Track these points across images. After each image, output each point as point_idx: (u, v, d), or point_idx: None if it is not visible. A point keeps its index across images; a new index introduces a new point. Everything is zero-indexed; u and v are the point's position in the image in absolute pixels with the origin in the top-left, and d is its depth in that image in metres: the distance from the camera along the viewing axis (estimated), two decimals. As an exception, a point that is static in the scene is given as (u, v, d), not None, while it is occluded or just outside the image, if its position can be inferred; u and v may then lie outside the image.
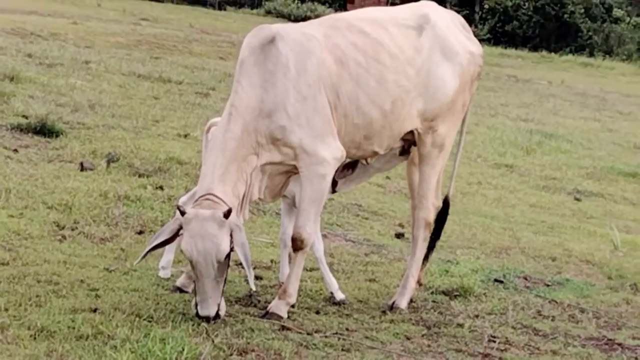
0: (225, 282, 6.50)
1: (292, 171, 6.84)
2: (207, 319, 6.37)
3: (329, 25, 7.02)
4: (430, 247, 7.63)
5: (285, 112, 6.63)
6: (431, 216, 7.45)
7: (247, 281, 6.88)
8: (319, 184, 6.74)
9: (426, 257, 7.61)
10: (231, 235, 6.40)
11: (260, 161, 6.68)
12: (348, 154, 6.97)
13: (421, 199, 7.42)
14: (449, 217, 10.44)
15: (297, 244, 6.78)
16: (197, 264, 6.35)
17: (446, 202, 7.71)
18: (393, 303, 7.33)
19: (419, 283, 7.62)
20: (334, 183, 7.34)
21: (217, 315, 6.43)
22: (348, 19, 7.11)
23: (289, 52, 6.69)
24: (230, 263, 7.85)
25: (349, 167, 7.37)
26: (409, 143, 7.37)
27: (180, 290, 7.02)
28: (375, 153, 7.18)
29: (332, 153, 6.74)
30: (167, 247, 7.01)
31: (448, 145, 7.41)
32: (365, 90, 6.87)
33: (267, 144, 6.67)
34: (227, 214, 6.31)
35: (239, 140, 6.57)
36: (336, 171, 7.17)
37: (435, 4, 7.50)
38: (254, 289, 6.58)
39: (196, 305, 6.43)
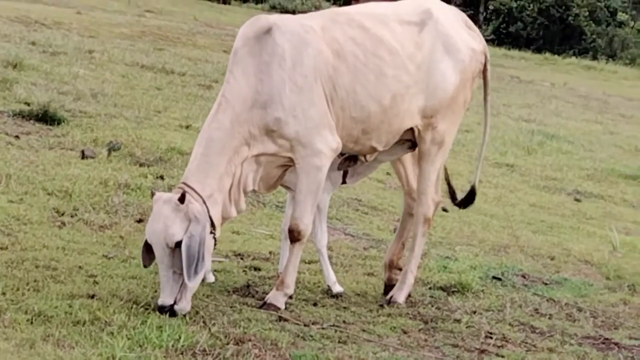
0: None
1: (288, 164, 6.81)
2: (160, 310, 6.23)
3: (328, 18, 7.00)
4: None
5: (280, 104, 6.60)
6: (430, 212, 7.43)
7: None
8: (315, 176, 6.72)
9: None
10: None
11: (252, 152, 6.63)
12: (346, 148, 6.95)
13: (420, 195, 7.40)
14: (448, 214, 10.58)
15: (294, 235, 6.77)
16: (153, 247, 6.31)
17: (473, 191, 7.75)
18: (391, 297, 7.33)
19: (399, 268, 7.52)
20: (344, 174, 7.34)
21: (173, 310, 6.23)
22: (349, 13, 7.09)
23: (285, 42, 6.66)
24: (230, 254, 7.95)
25: (350, 159, 7.34)
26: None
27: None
28: (374, 149, 7.14)
29: (328, 144, 6.71)
30: None
31: (448, 142, 7.37)
32: (364, 84, 6.85)
33: (261, 135, 6.63)
34: (181, 199, 6.24)
35: (228, 132, 6.53)
36: (339, 160, 7.17)
37: (438, 0, 7.49)
38: (190, 284, 6.18)
39: None
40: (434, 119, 7.18)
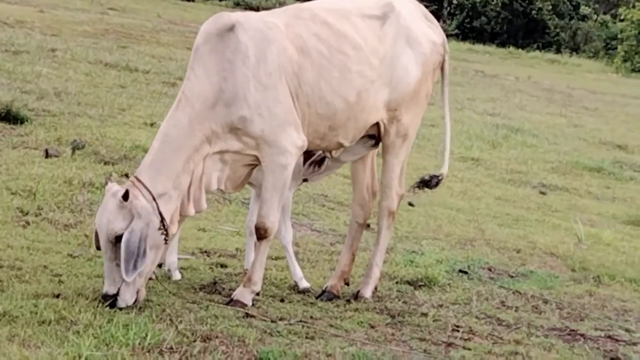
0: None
1: (254, 163, 6.78)
2: (104, 298, 6.27)
3: (291, 14, 6.96)
4: None
5: (245, 102, 6.56)
6: (394, 205, 7.42)
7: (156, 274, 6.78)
8: (280, 174, 6.69)
9: None
10: None
11: (213, 149, 6.59)
12: (312, 145, 6.93)
13: (385, 188, 7.40)
14: (414, 208, 10.61)
15: (261, 233, 6.75)
16: (99, 236, 6.34)
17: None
18: (358, 292, 7.33)
19: (346, 283, 7.47)
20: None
21: (115, 299, 6.27)
22: (312, 9, 7.05)
23: (248, 40, 6.61)
24: (196, 251, 7.94)
25: (316, 163, 7.33)
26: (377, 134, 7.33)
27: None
28: (341, 145, 7.12)
29: (294, 142, 6.68)
30: None
31: (412, 134, 7.38)
32: (328, 80, 6.82)
33: (224, 133, 6.58)
34: (125, 196, 6.25)
35: (186, 130, 6.48)
36: (304, 168, 7.18)
37: (399, -7, 7.46)
38: (127, 279, 6.20)
39: None
40: (397, 112, 7.18)
